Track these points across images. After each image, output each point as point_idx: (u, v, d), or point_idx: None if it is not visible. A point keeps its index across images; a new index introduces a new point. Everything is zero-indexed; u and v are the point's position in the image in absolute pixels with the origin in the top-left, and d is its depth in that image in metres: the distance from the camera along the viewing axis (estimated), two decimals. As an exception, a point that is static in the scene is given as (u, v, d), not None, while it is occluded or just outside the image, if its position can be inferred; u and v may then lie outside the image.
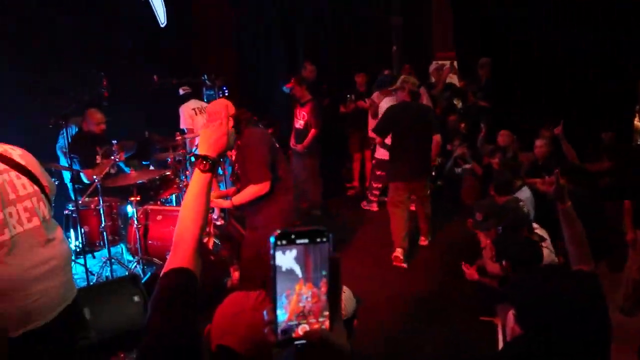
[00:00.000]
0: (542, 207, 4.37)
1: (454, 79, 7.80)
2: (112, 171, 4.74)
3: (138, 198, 4.62)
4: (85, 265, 4.28)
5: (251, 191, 3.49)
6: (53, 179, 4.65)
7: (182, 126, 6.01)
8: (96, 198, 4.53)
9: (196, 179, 1.39)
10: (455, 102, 7.62)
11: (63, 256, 2.20)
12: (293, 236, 0.80)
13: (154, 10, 7.08)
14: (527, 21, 7.02)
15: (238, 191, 3.71)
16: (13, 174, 2.08)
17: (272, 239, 0.79)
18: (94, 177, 4.44)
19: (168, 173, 5.08)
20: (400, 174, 5.07)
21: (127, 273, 4.48)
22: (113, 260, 4.46)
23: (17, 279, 1.98)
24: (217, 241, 4.66)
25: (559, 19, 6.95)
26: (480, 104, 6.84)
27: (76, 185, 4.69)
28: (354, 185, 7.42)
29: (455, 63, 7.63)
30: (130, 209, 4.74)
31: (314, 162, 6.44)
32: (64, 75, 5.27)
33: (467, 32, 7.82)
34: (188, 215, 1.35)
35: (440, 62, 7.75)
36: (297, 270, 0.80)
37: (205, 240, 4.43)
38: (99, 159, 4.75)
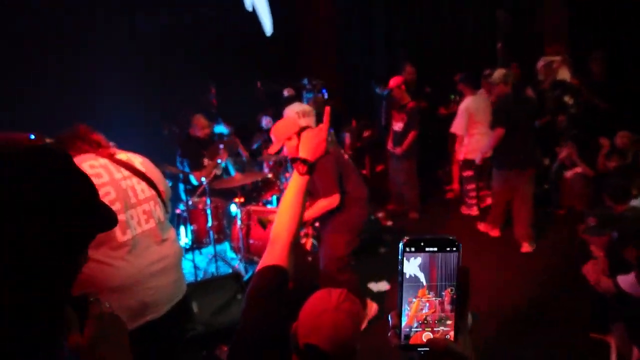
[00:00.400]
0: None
1: (565, 75, 7.26)
2: (218, 172, 5.03)
3: (242, 199, 4.88)
4: (193, 260, 4.62)
5: (321, 205, 3.55)
6: (168, 181, 5.07)
7: None
8: (204, 199, 4.85)
9: (294, 181, 1.47)
10: (567, 99, 7.08)
11: (175, 255, 2.41)
12: (422, 243, 0.80)
13: (261, 21, 7.41)
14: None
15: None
16: (135, 179, 2.30)
17: (400, 245, 0.80)
18: (202, 178, 4.76)
19: (270, 175, 5.30)
20: (512, 162, 5.18)
21: (230, 270, 4.74)
22: (218, 257, 4.74)
23: (137, 274, 2.19)
24: (315, 242, 4.78)
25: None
26: (596, 103, 6.31)
27: (187, 186, 5.06)
28: (453, 188, 7.21)
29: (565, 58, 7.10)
30: (234, 210, 5.01)
31: (412, 164, 6.36)
32: (176, 85, 5.70)
33: (583, 24, 7.26)
34: (285, 214, 1.43)
35: (549, 57, 7.26)
36: (422, 277, 0.80)
37: (304, 241, 4.56)
38: (205, 162, 5.08)
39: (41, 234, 0.79)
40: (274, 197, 5.46)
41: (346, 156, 3.86)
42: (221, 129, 5.72)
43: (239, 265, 4.79)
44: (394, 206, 6.74)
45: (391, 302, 4.37)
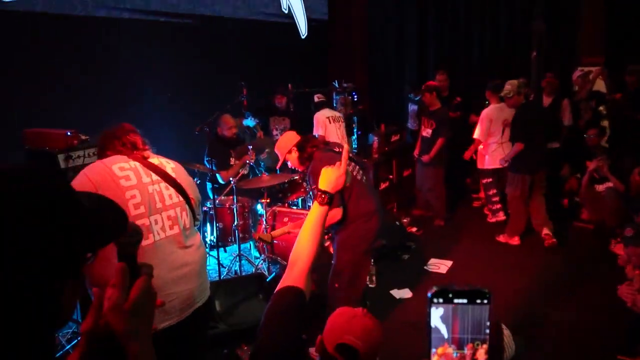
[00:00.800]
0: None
1: (601, 86, 7.11)
2: (245, 172, 5.07)
3: (268, 200, 4.93)
4: (218, 258, 4.68)
5: (328, 219, 3.48)
6: (195, 179, 5.14)
7: (315, 133, 6.26)
8: (231, 197, 4.91)
9: (315, 210, 1.60)
10: (601, 109, 6.92)
11: (198, 262, 2.42)
12: (451, 295, 0.76)
13: (296, 22, 7.48)
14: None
15: None
16: (163, 185, 2.33)
17: (429, 295, 0.77)
18: (230, 178, 4.82)
19: (296, 177, 5.32)
20: (529, 167, 5.52)
21: (253, 269, 4.80)
22: (242, 256, 4.80)
23: (159, 280, 2.16)
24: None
25: None
26: (631, 115, 6.15)
27: (214, 185, 5.13)
28: (480, 197, 7.13)
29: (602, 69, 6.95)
30: (260, 210, 5.07)
31: (439, 171, 6.32)
32: (208, 85, 5.79)
33: (621, 35, 7.10)
34: (306, 239, 1.54)
35: (585, 68, 7.13)
36: (443, 329, 0.77)
37: (327, 244, 4.57)
38: (232, 161, 5.15)
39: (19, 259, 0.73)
40: (299, 199, 5.49)
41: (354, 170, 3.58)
42: (249, 122, 5.82)
43: (262, 265, 4.83)
44: (420, 212, 6.71)
45: (413, 311, 4.36)
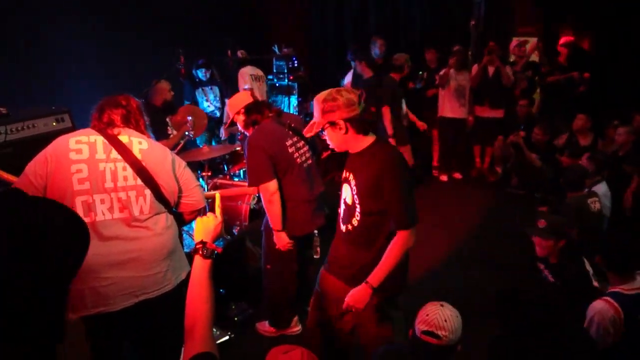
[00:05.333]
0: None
1: (537, 58, 7.34)
2: (182, 142, 4.85)
3: (209, 173, 4.80)
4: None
5: (251, 192, 3.32)
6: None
7: (240, 88, 6.10)
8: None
9: (198, 265, 1.50)
10: (537, 79, 7.16)
11: (149, 251, 2.21)
12: None
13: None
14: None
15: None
16: (120, 164, 2.18)
17: None
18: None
19: (238, 148, 5.21)
20: None
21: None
22: (185, 231, 4.68)
23: (91, 260, 2.02)
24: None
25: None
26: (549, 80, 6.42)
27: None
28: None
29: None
30: (201, 182, 4.93)
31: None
32: (143, 52, 5.48)
33: (556, 6, 7.30)
34: (196, 298, 1.43)
35: (521, 38, 7.31)
36: None
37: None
38: (169, 130, 4.94)
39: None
40: (241, 171, 5.40)
41: (298, 150, 3.30)
42: (200, 74, 5.68)
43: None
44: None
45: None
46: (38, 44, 4.52)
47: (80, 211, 2.09)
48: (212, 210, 1.72)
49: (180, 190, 2.35)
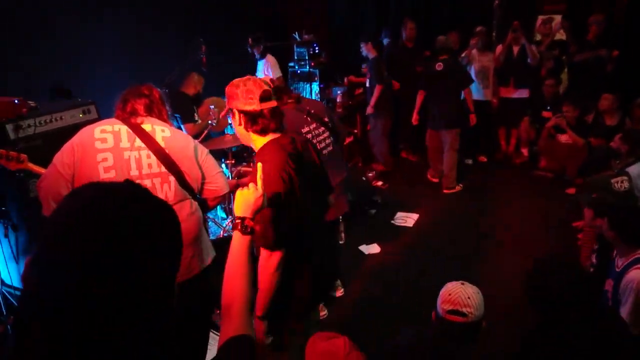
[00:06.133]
0: None
1: (564, 36, 7.12)
2: (205, 131, 4.89)
3: (233, 161, 4.83)
4: (184, 222, 4.60)
5: None
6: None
7: (274, 76, 6.14)
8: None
9: (237, 241, 1.44)
10: (564, 58, 6.95)
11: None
12: None
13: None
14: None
15: None
16: (145, 152, 2.22)
17: None
18: (194, 134, 4.68)
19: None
20: None
21: (220, 231, 4.75)
22: (208, 218, 4.73)
23: None
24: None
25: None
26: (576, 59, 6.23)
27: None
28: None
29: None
30: (225, 171, 4.96)
31: (382, 122, 6.28)
32: (166, 43, 5.51)
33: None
34: (234, 277, 1.37)
35: (547, 16, 7.10)
36: None
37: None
38: (196, 117, 4.98)
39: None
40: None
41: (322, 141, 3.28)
42: None
43: (229, 226, 4.79)
44: (379, 166, 6.67)
45: (380, 266, 4.44)
46: (64, 39, 4.59)
47: None
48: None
49: (203, 177, 2.37)
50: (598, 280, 2.99)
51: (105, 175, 2.14)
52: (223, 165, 5.08)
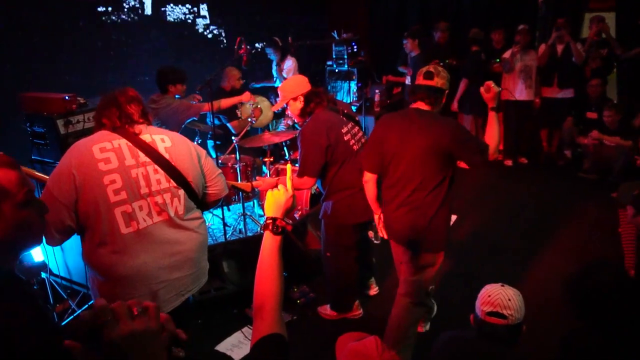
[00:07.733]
0: None
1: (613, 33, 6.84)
2: (248, 128, 4.96)
3: (271, 158, 4.89)
4: (222, 217, 4.67)
5: (295, 182, 3.08)
6: (197, 138, 5.02)
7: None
8: (233, 156, 4.87)
9: (268, 241, 1.44)
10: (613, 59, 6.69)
11: (194, 249, 2.26)
12: None
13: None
14: None
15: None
16: (151, 167, 2.13)
17: None
18: (232, 137, 4.76)
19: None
20: None
21: (258, 228, 4.82)
22: (246, 215, 4.81)
23: (142, 267, 2.09)
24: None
25: None
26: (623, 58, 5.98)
27: (216, 142, 5.05)
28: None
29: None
30: (263, 168, 5.03)
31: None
32: (205, 43, 5.63)
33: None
34: (265, 277, 1.38)
35: (595, 14, 6.86)
36: None
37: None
38: (239, 113, 5.06)
39: None
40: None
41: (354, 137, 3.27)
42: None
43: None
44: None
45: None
46: (111, 40, 4.77)
47: (120, 222, 2.05)
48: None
49: (205, 181, 2.34)
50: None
51: (116, 198, 2.04)
52: (262, 164, 5.16)
